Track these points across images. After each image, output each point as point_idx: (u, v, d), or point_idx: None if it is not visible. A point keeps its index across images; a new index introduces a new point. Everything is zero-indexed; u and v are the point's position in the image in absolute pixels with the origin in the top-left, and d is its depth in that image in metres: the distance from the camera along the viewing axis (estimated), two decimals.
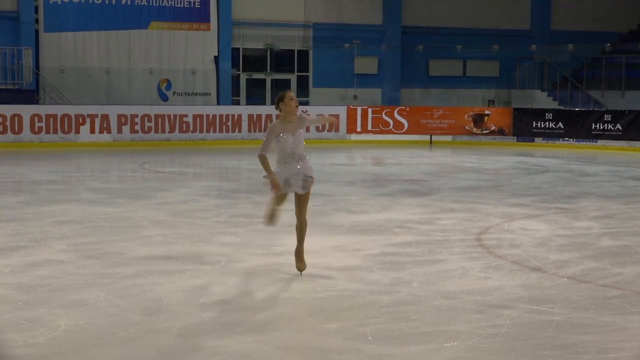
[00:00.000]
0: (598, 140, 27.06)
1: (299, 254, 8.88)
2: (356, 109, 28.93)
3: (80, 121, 25.98)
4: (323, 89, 32.14)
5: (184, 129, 27.07)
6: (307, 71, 32.72)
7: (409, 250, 10.27)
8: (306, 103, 31.39)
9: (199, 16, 30.78)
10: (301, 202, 8.86)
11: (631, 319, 7.33)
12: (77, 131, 25.97)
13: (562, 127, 27.74)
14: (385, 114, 28.80)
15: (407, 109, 29.28)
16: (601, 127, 26.90)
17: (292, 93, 9.06)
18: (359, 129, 28.68)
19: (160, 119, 26.82)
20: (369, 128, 28.66)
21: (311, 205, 14.19)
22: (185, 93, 30.51)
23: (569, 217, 13.15)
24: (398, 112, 28.88)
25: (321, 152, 25.70)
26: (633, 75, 30.08)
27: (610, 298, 8.08)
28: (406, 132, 28.75)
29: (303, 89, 32.56)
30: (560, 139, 27.83)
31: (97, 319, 7.16)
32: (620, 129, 26.43)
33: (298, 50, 32.60)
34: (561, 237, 11.32)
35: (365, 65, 32.90)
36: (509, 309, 7.57)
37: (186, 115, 27.21)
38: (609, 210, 14.09)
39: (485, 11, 34.49)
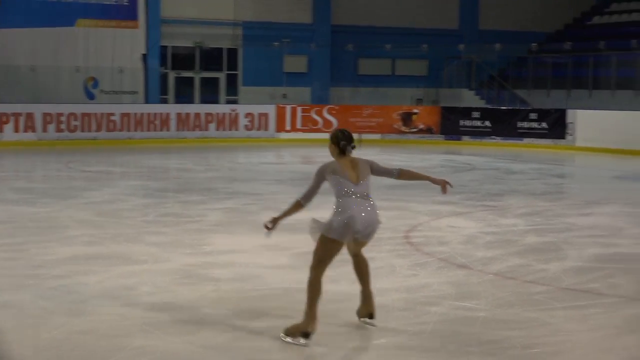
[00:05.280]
0: (524, 139, 27.43)
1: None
2: (285, 107, 28.90)
3: (4, 120, 25.51)
4: (252, 88, 32.01)
5: (111, 127, 26.75)
6: (237, 70, 32.59)
7: None
8: (235, 102, 31.29)
9: (126, 14, 30.43)
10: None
11: (555, 314, 7.44)
12: (1, 130, 25.49)
13: (489, 125, 28.07)
14: (314, 112, 28.83)
15: (337, 107, 29.34)
16: (527, 126, 27.27)
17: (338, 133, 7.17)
18: (288, 128, 28.65)
19: (86, 118, 26.46)
20: (298, 127, 28.65)
21: (239, 204, 14.22)
22: (113, 91, 30.13)
23: (496, 215, 13.31)
24: (327, 111, 28.92)
25: (250, 150, 25.65)
26: (558, 75, 30.52)
27: (534, 294, 8.20)
28: None
29: (232, 87, 32.41)
30: (488, 137, 28.15)
31: (21, 320, 7.05)
32: (546, 127, 26.83)
33: (227, 49, 32.44)
34: (488, 234, 11.45)
35: (295, 63, 32.88)
36: (436, 306, 7.63)
37: (113, 114, 26.87)
38: (535, 207, 14.30)
39: (414, 10, 34.71)
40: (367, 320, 7.12)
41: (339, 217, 6.84)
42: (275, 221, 7.10)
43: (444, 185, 7.05)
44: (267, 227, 7.08)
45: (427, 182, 7.12)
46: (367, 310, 7.13)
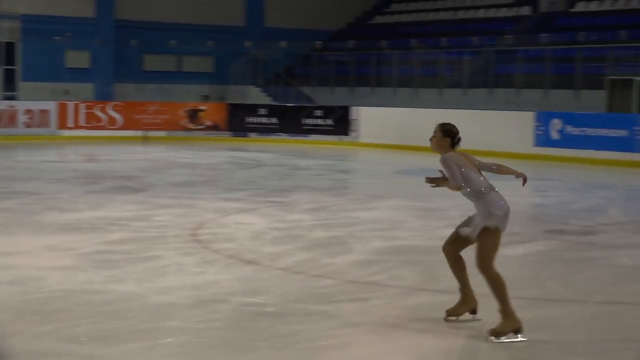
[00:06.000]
0: (310, 135, 27.87)
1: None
2: (67, 104, 28.07)
3: None
4: (33, 84, 30.91)
5: None
6: (15, 64, 31.38)
7: (124, 248, 10.09)
8: (14, 98, 30.13)
9: None
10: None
11: (342, 307, 7.57)
12: None
13: (275, 122, 28.35)
14: (98, 109, 28.18)
15: (121, 104, 28.82)
16: (312, 122, 27.74)
17: (452, 126, 6.94)
18: (70, 125, 27.82)
19: None
20: (82, 124, 27.91)
21: (20, 204, 13.69)
22: None
23: (282, 210, 13.45)
24: (112, 108, 28.35)
25: (30, 148, 24.80)
26: (342, 72, 31.23)
27: (322, 287, 8.32)
28: (120, 128, 28.26)
29: (10, 83, 31.17)
30: (274, 134, 28.43)
31: None
32: (331, 124, 27.38)
33: (5, 43, 31.16)
34: (275, 229, 11.53)
35: (77, 59, 32.04)
36: (224, 303, 7.61)
37: None
38: (321, 202, 14.55)
39: (200, 6, 34.56)
40: (472, 316, 7.11)
41: (496, 207, 6.69)
42: (441, 179, 6.88)
43: (525, 179, 6.97)
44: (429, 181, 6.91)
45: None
46: (470, 306, 7.08)
